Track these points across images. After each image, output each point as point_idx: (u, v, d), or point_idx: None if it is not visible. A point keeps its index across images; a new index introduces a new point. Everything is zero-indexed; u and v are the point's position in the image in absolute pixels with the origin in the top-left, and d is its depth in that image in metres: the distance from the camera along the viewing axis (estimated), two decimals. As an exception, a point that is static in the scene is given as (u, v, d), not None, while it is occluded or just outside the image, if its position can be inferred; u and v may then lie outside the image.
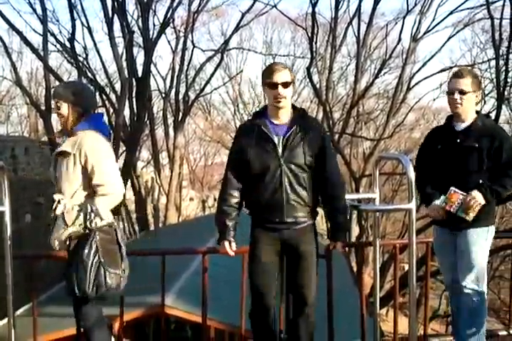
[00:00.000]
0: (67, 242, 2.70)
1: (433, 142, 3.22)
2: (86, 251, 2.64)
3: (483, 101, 17.99)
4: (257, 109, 3.03)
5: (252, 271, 2.88)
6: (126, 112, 16.58)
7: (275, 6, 18.20)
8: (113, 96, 17.46)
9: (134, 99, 16.35)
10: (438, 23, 18.07)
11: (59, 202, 2.67)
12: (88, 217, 2.63)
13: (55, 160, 2.79)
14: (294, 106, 2.90)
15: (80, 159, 2.68)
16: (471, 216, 2.99)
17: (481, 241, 3.07)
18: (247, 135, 2.85)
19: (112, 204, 2.71)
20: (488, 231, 3.09)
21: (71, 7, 15.26)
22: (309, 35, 16.52)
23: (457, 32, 19.48)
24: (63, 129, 2.83)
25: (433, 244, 3.31)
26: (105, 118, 2.88)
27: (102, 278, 2.65)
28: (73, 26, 15.35)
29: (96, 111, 2.91)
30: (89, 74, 16.89)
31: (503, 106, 14.18)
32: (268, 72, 2.78)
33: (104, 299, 2.74)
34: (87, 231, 2.65)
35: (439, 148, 3.15)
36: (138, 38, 17.70)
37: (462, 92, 3.04)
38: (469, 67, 17.23)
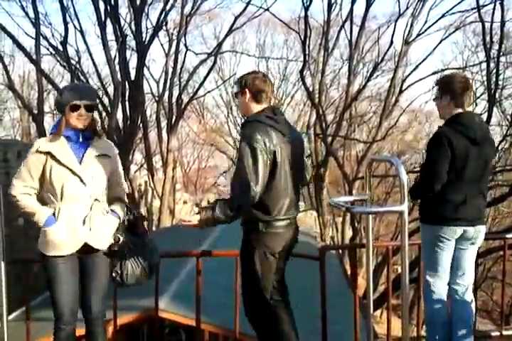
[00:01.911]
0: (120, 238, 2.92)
1: None
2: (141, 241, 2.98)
3: (475, 104, 18.14)
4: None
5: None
6: (119, 115, 16.57)
7: (268, 9, 18.26)
8: (106, 100, 17.42)
9: (127, 103, 16.33)
10: (430, 26, 18.23)
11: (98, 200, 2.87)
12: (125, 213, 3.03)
13: None
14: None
15: (112, 163, 2.96)
16: None
17: None
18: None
19: None
20: None
21: (64, 10, 15.25)
22: (302, 38, 16.57)
23: (449, 35, 19.64)
24: None
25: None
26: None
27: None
28: (66, 29, 15.35)
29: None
30: (81, 78, 16.86)
31: (494, 108, 14.31)
32: None
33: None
34: None
35: None
36: (131, 41, 17.72)
37: None
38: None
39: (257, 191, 2.65)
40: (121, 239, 2.84)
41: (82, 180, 2.73)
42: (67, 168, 2.72)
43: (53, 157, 2.72)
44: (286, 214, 2.82)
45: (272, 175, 2.74)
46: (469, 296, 3.14)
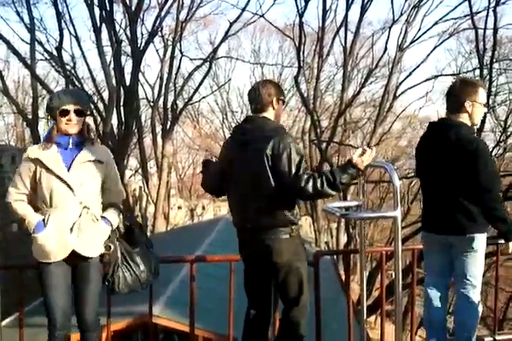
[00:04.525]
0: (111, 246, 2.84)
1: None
2: (137, 249, 2.93)
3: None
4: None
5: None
6: (114, 121, 16.56)
7: (263, 15, 18.35)
8: (101, 105, 17.41)
9: (122, 108, 16.33)
10: (424, 33, 18.28)
11: (87, 208, 2.78)
12: (121, 220, 2.95)
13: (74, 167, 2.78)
14: None
15: (106, 169, 2.85)
16: None
17: None
18: None
19: None
20: None
21: (59, 16, 15.26)
22: (297, 44, 16.64)
23: (442, 41, 19.74)
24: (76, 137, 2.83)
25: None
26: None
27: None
28: (61, 35, 15.34)
29: None
30: (76, 83, 16.85)
31: (488, 115, 14.40)
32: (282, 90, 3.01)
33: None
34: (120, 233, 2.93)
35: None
36: (126, 47, 17.72)
37: None
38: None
39: None
40: (112, 247, 2.81)
41: (70, 187, 2.71)
42: (55, 174, 2.72)
43: (42, 164, 2.73)
44: None
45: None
46: (468, 304, 3.14)
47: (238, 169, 2.84)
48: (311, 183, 2.68)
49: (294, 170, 2.71)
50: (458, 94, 3.06)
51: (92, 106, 17.12)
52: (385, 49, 17.94)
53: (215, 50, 20.75)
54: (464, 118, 3.07)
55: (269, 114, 2.93)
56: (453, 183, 3.00)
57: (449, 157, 2.98)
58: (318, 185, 2.68)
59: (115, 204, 2.96)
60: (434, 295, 3.20)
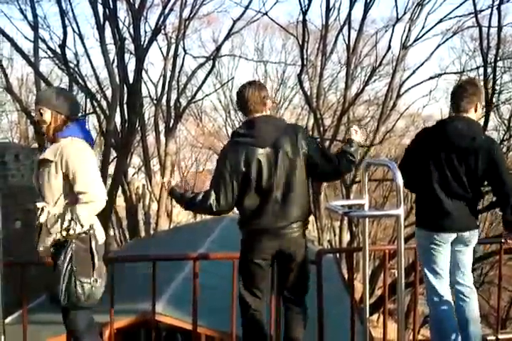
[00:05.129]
0: (52, 249, 2.74)
1: None
2: (61, 258, 2.64)
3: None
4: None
5: None
6: (118, 119, 16.57)
7: (266, 13, 18.27)
8: (104, 103, 17.42)
9: (125, 106, 16.33)
10: (427, 31, 18.19)
11: (42, 209, 2.70)
12: (67, 224, 2.63)
13: (37, 167, 2.80)
14: None
15: (61, 167, 2.68)
16: None
17: None
18: None
19: (94, 212, 2.71)
20: None
21: (62, 13, 15.24)
22: (300, 42, 16.62)
23: (446, 40, 19.69)
24: (46, 136, 2.84)
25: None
26: (88, 124, 2.92)
27: (72, 288, 2.63)
28: (64, 33, 15.32)
29: (79, 118, 2.92)
30: (80, 81, 16.86)
31: (491, 113, 14.35)
32: None
33: (80, 308, 2.73)
34: (66, 238, 2.66)
35: None
36: (129, 45, 17.71)
37: None
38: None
39: None
40: (42, 248, 2.76)
41: (37, 187, 2.80)
42: None
43: None
44: None
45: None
46: (475, 296, 3.21)
47: (270, 170, 2.85)
48: (344, 163, 3.03)
49: (329, 155, 3.05)
50: (473, 95, 3.13)
51: (96, 104, 17.16)
52: (389, 47, 17.89)
53: (218, 48, 20.72)
54: (472, 117, 3.15)
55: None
56: (467, 181, 3.05)
57: (467, 155, 3.02)
58: (348, 162, 3.03)
59: (74, 207, 2.69)
60: (444, 292, 3.22)
